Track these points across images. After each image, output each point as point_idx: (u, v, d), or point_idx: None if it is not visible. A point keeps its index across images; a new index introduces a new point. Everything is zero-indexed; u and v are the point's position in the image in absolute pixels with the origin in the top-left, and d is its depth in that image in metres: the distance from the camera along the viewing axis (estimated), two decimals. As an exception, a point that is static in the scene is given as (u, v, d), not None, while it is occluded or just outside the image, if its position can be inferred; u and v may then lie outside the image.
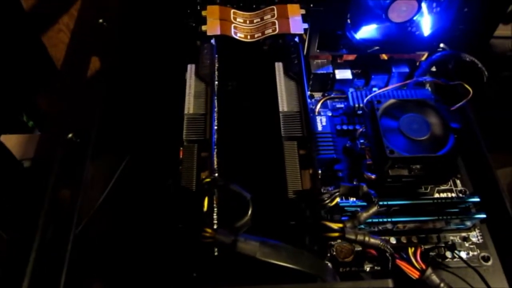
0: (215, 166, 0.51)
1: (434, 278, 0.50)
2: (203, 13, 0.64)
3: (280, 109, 0.57)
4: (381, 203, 0.55)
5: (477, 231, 0.59)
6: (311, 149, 0.53)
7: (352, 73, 0.70)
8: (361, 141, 0.63)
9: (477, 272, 0.55)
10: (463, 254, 0.57)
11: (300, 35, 0.65)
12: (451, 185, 0.63)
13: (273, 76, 0.60)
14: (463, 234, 0.59)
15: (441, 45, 0.69)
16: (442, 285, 0.50)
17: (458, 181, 0.63)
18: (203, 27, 0.63)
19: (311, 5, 0.66)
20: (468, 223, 0.58)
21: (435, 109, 0.60)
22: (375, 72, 0.70)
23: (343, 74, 0.70)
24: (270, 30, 0.63)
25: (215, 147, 0.52)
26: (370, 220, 0.55)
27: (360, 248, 0.57)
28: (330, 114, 0.69)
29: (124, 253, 0.54)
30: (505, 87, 0.86)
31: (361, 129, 0.64)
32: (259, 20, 0.65)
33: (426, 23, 0.66)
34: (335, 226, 0.45)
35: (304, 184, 0.51)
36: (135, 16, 0.64)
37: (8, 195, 0.51)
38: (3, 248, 0.59)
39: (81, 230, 0.48)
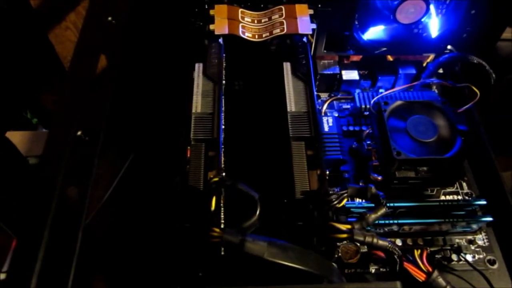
0: (223, 166, 0.50)
1: (440, 280, 0.50)
2: (211, 12, 0.64)
3: (288, 109, 0.57)
4: (387, 204, 0.55)
5: (483, 234, 0.59)
6: (319, 150, 0.53)
7: (359, 74, 0.70)
8: (368, 142, 0.63)
9: (482, 275, 0.54)
10: (469, 257, 0.57)
11: (308, 35, 0.64)
12: (457, 188, 0.63)
13: (280, 76, 0.60)
14: (469, 237, 0.59)
15: (448, 47, 0.69)
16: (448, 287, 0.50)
17: (464, 184, 0.63)
18: (211, 26, 0.63)
19: (319, 6, 0.65)
20: (474, 226, 0.58)
21: (442, 111, 0.60)
22: (382, 74, 0.71)
23: (350, 75, 0.70)
24: (278, 30, 0.63)
25: (222, 146, 0.52)
26: (376, 222, 0.55)
27: (365, 250, 0.57)
28: (336, 115, 0.69)
29: (130, 251, 0.54)
30: (510, 89, 0.86)
31: (367, 130, 0.64)
32: (267, 19, 0.65)
33: (433, 25, 0.66)
34: (343, 227, 0.45)
35: (311, 184, 0.51)
36: (143, 15, 0.64)
37: (14, 192, 0.51)
38: (10, 246, 0.59)
39: (86, 227, 0.48)
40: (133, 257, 0.54)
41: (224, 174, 0.49)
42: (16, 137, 0.76)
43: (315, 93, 0.59)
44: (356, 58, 0.71)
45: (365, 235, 0.46)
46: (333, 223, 0.45)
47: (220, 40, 0.63)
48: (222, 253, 0.47)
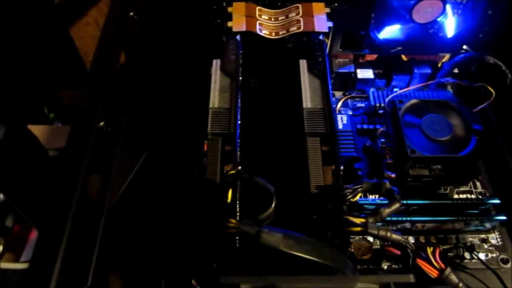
0: (239, 160, 0.51)
1: (453, 277, 0.50)
2: (229, 9, 0.65)
3: (304, 106, 0.57)
4: (401, 200, 0.55)
5: (496, 233, 0.59)
6: (334, 146, 0.54)
7: (374, 73, 0.71)
8: (382, 140, 0.64)
9: (495, 274, 0.54)
10: (481, 256, 0.57)
11: (324, 33, 0.65)
12: (471, 187, 0.63)
13: (297, 73, 0.61)
14: (482, 236, 0.59)
15: (464, 47, 0.69)
16: (460, 285, 0.50)
17: (478, 183, 0.63)
18: (229, 23, 0.64)
19: (336, 4, 0.66)
20: (488, 225, 0.58)
21: (457, 110, 0.60)
22: (397, 73, 0.71)
23: (365, 73, 0.70)
24: (295, 28, 0.64)
25: (239, 140, 0.53)
26: (389, 219, 0.56)
27: (378, 246, 0.57)
28: (350, 113, 0.69)
29: (147, 243, 0.55)
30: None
31: (382, 129, 0.65)
32: (284, 17, 0.66)
33: (450, 25, 0.66)
34: (357, 220, 0.46)
35: (326, 179, 0.51)
36: (163, 11, 0.65)
37: (35, 182, 0.53)
38: (28, 234, 0.60)
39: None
40: (150, 248, 0.55)
41: (240, 167, 0.50)
42: (34, 131, 0.78)
43: (331, 90, 0.59)
44: (371, 57, 0.72)
45: (379, 229, 0.46)
46: (347, 217, 0.46)
47: (238, 37, 0.64)
48: (237, 245, 0.48)
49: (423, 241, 0.59)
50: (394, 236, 0.47)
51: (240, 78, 0.60)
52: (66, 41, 0.79)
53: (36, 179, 0.54)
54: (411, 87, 0.70)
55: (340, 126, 0.63)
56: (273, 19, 0.66)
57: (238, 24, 0.64)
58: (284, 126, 0.57)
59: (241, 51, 0.63)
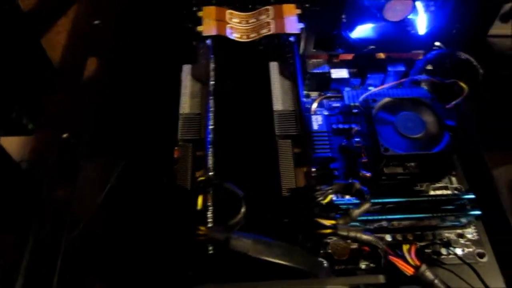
0: (211, 165, 0.51)
1: (429, 274, 0.50)
2: (199, 14, 0.65)
3: (275, 108, 0.57)
4: (376, 200, 0.55)
5: (472, 228, 0.59)
6: (307, 147, 0.54)
7: (349, 73, 0.70)
8: (357, 139, 0.64)
9: (472, 269, 0.55)
10: (458, 251, 0.57)
11: (295, 35, 0.65)
12: (446, 183, 0.63)
13: (268, 75, 0.61)
14: (459, 231, 0.59)
15: (437, 43, 0.70)
16: (436, 281, 0.50)
17: (453, 179, 0.63)
18: (199, 28, 0.64)
19: (307, 5, 0.66)
20: (463, 220, 0.58)
21: (430, 107, 0.61)
22: (371, 71, 0.71)
23: (339, 73, 0.70)
24: (265, 30, 0.64)
25: (210, 146, 0.52)
26: (365, 218, 0.56)
27: (355, 246, 0.57)
28: (326, 113, 0.69)
29: (120, 253, 0.55)
30: (504, 86, 0.86)
31: (356, 128, 0.65)
32: (254, 20, 0.66)
33: (421, 22, 0.67)
34: (327, 223, 0.46)
35: (298, 182, 0.51)
36: (131, 17, 0.65)
37: (6, 195, 0.52)
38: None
39: (79, 231, 0.49)
40: (123, 258, 0.54)
41: (211, 173, 0.50)
42: (10, 143, 0.77)
43: (303, 91, 0.59)
44: (345, 56, 0.72)
45: (348, 230, 0.46)
46: (317, 219, 0.46)
47: (208, 41, 0.64)
48: (211, 251, 0.47)
49: (400, 238, 0.58)
50: (365, 236, 0.47)
51: (212, 82, 0.60)
52: (37, 50, 0.78)
53: (4, 191, 0.53)
54: (385, 85, 0.70)
55: (316, 126, 0.63)
56: (244, 22, 0.66)
57: (208, 28, 0.63)
58: (256, 129, 0.56)
59: (212, 56, 0.62)
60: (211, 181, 0.48)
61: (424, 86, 0.72)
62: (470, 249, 0.58)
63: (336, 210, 0.56)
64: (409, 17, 0.66)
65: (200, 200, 0.46)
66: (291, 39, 0.64)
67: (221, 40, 0.64)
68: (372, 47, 0.69)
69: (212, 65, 0.61)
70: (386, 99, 0.62)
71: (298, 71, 0.61)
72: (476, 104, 0.68)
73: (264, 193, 0.50)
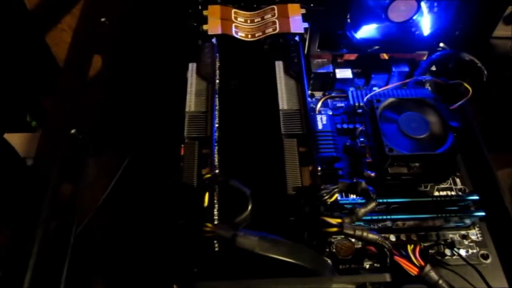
0: (216, 163, 0.51)
1: (433, 274, 0.50)
2: (204, 12, 0.65)
3: (280, 107, 0.57)
4: (380, 200, 0.55)
5: (476, 229, 0.59)
6: (311, 147, 0.54)
7: (353, 73, 0.70)
8: (361, 139, 0.64)
9: (476, 270, 0.55)
10: (462, 252, 0.57)
11: (300, 34, 0.65)
12: (450, 184, 0.63)
13: (273, 74, 0.61)
14: (463, 232, 0.59)
15: (441, 44, 0.70)
16: (440, 281, 0.50)
17: (457, 180, 0.63)
18: (204, 27, 0.64)
19: (312, 5, 0.66)
20: (468, 221, 0.58)
21: (434, 107, 0.61)
22: (376, 72, 0.71)
23: (344, 73, 0.70)
24: (270, 29, 0.64)
25: (215, 144, 0.52)
26: (370, 218, 0.56)
27: (360, 246, 0.57)
28: (330, 113, 0.69)
29: (126, 249, 0.55)
30: (507, 87, 0.86)
31: (361, 128, 0.65)
32: (259, 19, 0.66)
33: (425, 23, 0.67)
34: (333, 221, 0.46)
35: (303, 181, 0.51)
36: (137, 15, 0.65)
37: (12, 192, 0.52)
38: (6, 244, 0.59)
39: (83, 228, 0.49)
40: (130, 256, 0.54)
41: (217, 171, 0.50)
42: (14, 139, 0.77)
43: (308, 91, 0.59)
44: (349, 56, 0.72)
45: (355, 229, 0.46)
46: (323, 218, 0.46)
47: (214, 40, 0.64)
48: (217, 249, 0.47)
49: (404, 239, 0.59)
50: (371, 235, 0.47)
51: (217, 81, 0.60)
52: (42, 48, 0.78)
53: (11, 187, 0.53)
54: (389, 86, 0.70)
55: (320, 126, 0.63)
56: (249, 21, 0.66)
57: (213, 27, 0.64)
58: (262, 128, 0.56)
59: (217, 54, 0.62)
60: (217, 179, 0.48)
61: (428, 87, 0.72)
62: (474, 250, 0.58)
63: (341, 209, 0.56)
64: (413, 17, 0.66)
65: (206, 197, 0.46)
66: (296, 38, 0.64)
67: (226, 39, 0.64)
68: (376, 47, 0.69)
69: (217, 64, 0.61)
70: (390, 100, 0.62)
71: (303, 71, 0.61)
72: (480, 105, 0.68)
73: (269, 191, 0.50)
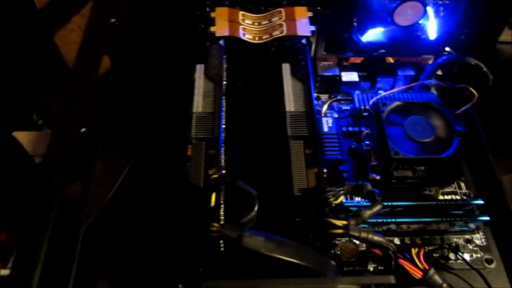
0: (223, 164, 0.51)
1: (437, 278, 0.50)
2: (212, 14, 0.66)
3: (287, 109, 0.58)
4: (385, 203, 0.55)
5: (480, 233, 0.59)
6: (317, 149, 0.54)
7: (359, 76, 0.71)
8: (367, 142, 0.64)
9: (480, 274, 0.55)
10: (466, 256, 0.58)
11: (307, 37, 0.65)
12: (455, 188, 0.63)
13: (280, 77, 0.61)
14: (467, 236, 0.59)
15: (447, 48, 0.70)
16: (444, 285, 0.50)
17: (462, 184, 0.63)
18: (212, 28, 0.64)
19: (319, 8, 0.67)
20: (472, 226, 0.59)
21: (440, 111, 0.61)
22: (381, 75, 0.71)
23: (350, 76, 0.71)
24: (277, 32, 0.64)
25: (222, 144, 0.53)
26: (374, 220, 0.56)
27: (364, 248, 0.57)
28: (336, 115, 0.69)
29: (132, 248, 0.55)
30: (513, 92, 0.86)
31: (366, 131, 0.65)
32: (267, 22, 0.66)
33: (432, 27, 0.67)
34: (339, 223, 0.46)
35: (309, 182, 0.51)
36: (146, 17, 0.65)
37: (20, 189, 0.52)
38: (16, 242, 0.60)
39: (89, 226, 0.49)
40: (136, 255, 0.55)
41: (224, 171, 0.50)
42: (22, 137, 0.77)
43: (314, 93, 0.60)
44: (355, 60, 0.72)
45: (360, 231, 0.47)
46: (329, 219, 0.46)
47: (221, 42, 0.64)
48: (222, 248, 0.48)
49: (408, 242, 0.59)
50: (376, 238, 0.47)
51: (224, 82, 0.60)
52: (51, 48, 0.79)
53: (20, 186, 0.54)
54: (395, 89, 0.70)
55: (326, 128, 0.63)
56: (256, 23, 0.67)
57: (221, 29, 0.64)
58: (268, 129, 0.57)
59: (224, 56, 0.63)
60: (223, 179, 0.48)
61: (434, 91, 0.72)
62: (478, 255, 0.58)
63: (346, 211, 0.57)
64: (419, 21, 0.67)
65: (213, 197, 0.47)
66: (303, 41, 0.65)
67: (233, 41, 0.64)
68: (382, 51, 0.69)
69: (224, 65, 0.62)
70: (396, 103, 0.62)
71: (310, 73, 0.61)
72: (485, 110, 0.68)
73: (275, 192, 0.51)
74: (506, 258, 0.58)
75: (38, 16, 0.76)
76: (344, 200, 0.55)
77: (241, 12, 0.67)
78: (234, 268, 0.46)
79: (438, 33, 0.67)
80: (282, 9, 0.67)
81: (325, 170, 0.54)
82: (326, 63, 0.71)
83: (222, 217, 0.47)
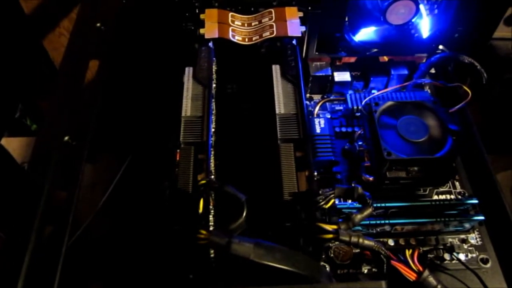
0: (212, 168, 0.51)
1: (431, 280, 0.50)
2: (201, 16, 0.65)
3: (277, 112, 0.57)
4: (379, 205, 0.55)
5: (475, 233, 0.59)
6: (308, 151, 0.53)
7: (351, 76, 0.70)
8: (360, 143, 0.63)
9: (475, 275, 0.54)
10: (461, 256, 0.57)
11: (297, 38, 0.65)
12: (450, 187, 0.63)
13: (270, 78, 0.61)
14: (462, 236, 0.59)
15: (440, 47, 0.69)
16: (439, 287, 0.50)
17: (457, 183, 0.63)
18: (201, 30, 0.63)
19: (309, 8, 0.66)
20: (467, 225, 0.58)
21: (433, 111, 0.60)
22: (374, 75, 0.71)
23: (342, 76, 0.70)
24: (267, 33, 0.64)
25: (211, 149, 0.52)
26: (368, 222, 0.55)
27: (358, 251, 0.57)
28: (329, 116, 0.69)
29: (122, 255, 0.54)
30: (507, 89, 0.85)
31: (359, 131, 0.64)
32: (257, 23, 0.66)
33: (424, 25, 0.66)
34: (329, 227, 0.46)
35: (300, 186, 0.51)
36: (134, 20, 0.65)
37: (7, 197, 0.52)
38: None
39: (80, 233, 0.49)
40: (125, 260, 0.54)
41: (213, 176, 0.50)
42: (14, 143, 0.77)
43: (304, 95, 0.59)
44: (348, 59, 0.71)
45: (350, 235, 0.46)
46: (319, 224, 0.46)
47: (211, 44, 0.64)
48: (212, 255, 0.47)
49: (402, 243, 0.58)
50: (366, 242, 0.47)
51: (214, 85, 0.60)
52: (40, 52, 0.78)
53: (5, 192, 0.53)
54: (388, 89, 0.69)
55: (318, 129, 0.62)
56: (246, 24, 0.66)
57: (210, 31, 0.63)
58: (258, 132, 0.56)
59: (214, 58, 0.62)
60: (212, 185, 0.47)
61: (428, 90, 0.72)
62: (474, 255, 0.57)
63: (339, 214, 0.56)
64: (412, 20, 0.66)
65: (201, 203, 0.46)
66: (294, 42, 0.64)
67: (223, 42, 0.63)
68: (375, 50, 0.69)
69: (214, 68, 0.61)
70: (389, 103, 0.61)
71: (301, 74, 0.60)
72: (479, 107, 0.67)
73: (265, 197, 0.50)
74: (502, 258, 0.57)
75: (26, 21, 0.76)
76: (337, 202, 0.55)
77: (230, 14, 0.66)
78: (224, 275, 0.46)
79: (431, 31, 0.67)
80: (272, 10, 0.66)
81: (315, 173, 0.53)
82: (318, 63, 0.70)
83: (212, 223, 0.47)
